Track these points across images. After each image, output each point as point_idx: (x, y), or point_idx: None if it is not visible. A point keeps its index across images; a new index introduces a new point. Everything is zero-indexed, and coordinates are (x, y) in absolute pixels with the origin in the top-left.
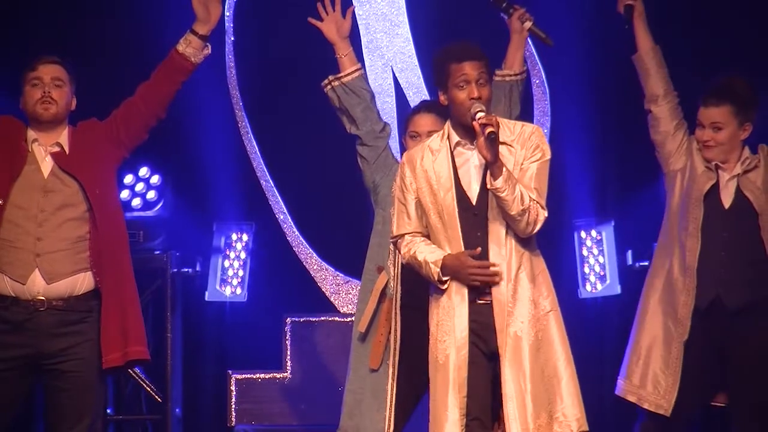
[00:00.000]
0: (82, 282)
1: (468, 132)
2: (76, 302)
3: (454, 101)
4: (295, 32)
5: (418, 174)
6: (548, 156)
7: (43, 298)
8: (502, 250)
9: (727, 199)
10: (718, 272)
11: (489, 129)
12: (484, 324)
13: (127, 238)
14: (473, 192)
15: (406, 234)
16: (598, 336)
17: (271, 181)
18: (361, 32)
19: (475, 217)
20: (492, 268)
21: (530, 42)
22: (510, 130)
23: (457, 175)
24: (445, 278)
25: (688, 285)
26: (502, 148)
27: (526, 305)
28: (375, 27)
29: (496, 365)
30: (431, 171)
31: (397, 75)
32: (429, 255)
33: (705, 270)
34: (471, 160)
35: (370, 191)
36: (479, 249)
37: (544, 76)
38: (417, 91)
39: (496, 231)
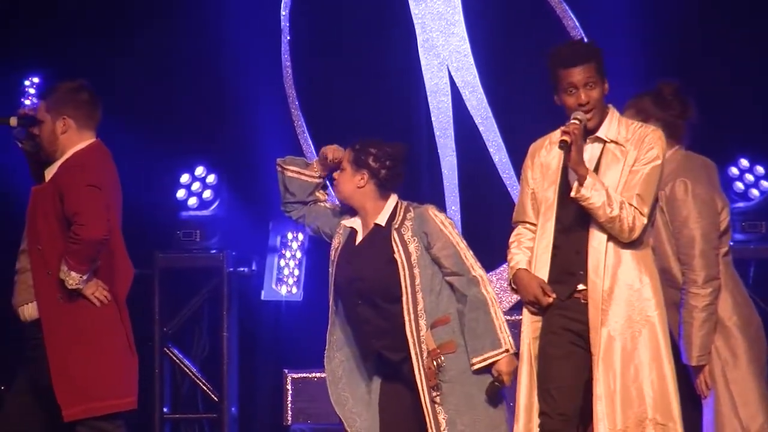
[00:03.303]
0: (28, 311)
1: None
2: (27, 329)
3: (565, 105)
4: (350, 31)
5: (535, 165)
6: (661, 160)
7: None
8: (601, 246)
9: None
10: None
11: (562, 137)
12: (581, 322)
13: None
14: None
15: (519, 224)
16: None
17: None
18: (417, 31)
19: (578, 210)
20: (546, 301)
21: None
22: (627, 130)
23: (566, 169)
24: (514, 287)
25: None
26: (613, 149)
27: (622, 305)
28: (431, 26)
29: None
30: (545, 162)
31: (452, 74)
32: (514, 259)
33: None
34: (584, 155)
35: None
36: (554, 297)
37: None
38: (473, 90)
39: (598, 227)
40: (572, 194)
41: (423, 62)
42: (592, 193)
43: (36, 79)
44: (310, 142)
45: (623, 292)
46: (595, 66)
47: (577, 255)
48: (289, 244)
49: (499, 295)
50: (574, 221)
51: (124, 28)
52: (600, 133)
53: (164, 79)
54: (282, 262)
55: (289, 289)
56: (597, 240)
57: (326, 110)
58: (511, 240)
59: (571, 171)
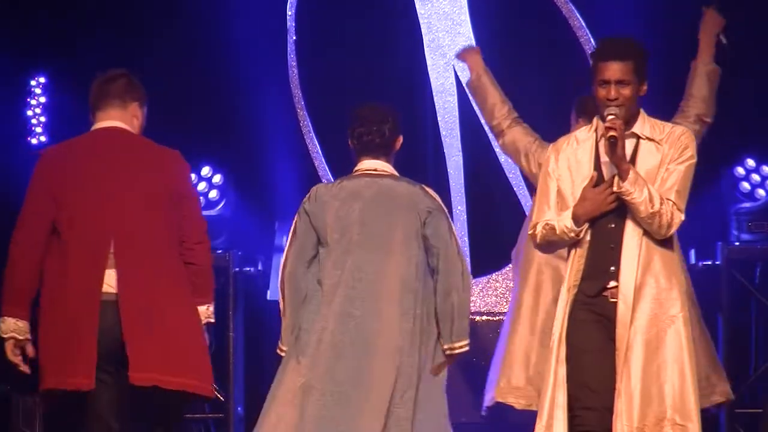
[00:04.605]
0: None
1: None
2: None
3: (596, 97)
4: (356, 31)
5: (561, 161)
6: (695, 159)
7: None
8: (635, 243)
9: None
10: None
11: (610, 132)
12: (608, 318)
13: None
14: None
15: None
16: None
17: (332, 180)
18: (423, 31)
19: (614, 208)
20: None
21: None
22: (660, 129)
23: (599, 165)
24: (579, 228)
25: None
26: (648, 146)
27: (648, 303)
28: (437, 26)
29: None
30: (573, 159)
31: (458, 74)
32: (550, 222)
33: None
34: None
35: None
36: (595, 173)
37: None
38: None
39: (632, 224)
40: (614, 189)
41: (429, 62)
42: (635, 188)
43: (42, 79)
44: (316, 142)
45: (652, 291)
46: (633, 65)
47: (612, 250)
48: None
49: (506, 296)
50: (609, 217)
51: (131, 29)
52: (635, 129)
53: (169, 80)
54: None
55: None
56: (631, 236)
57: (332, 110)
58: (539, 231)
59: (604, 166)
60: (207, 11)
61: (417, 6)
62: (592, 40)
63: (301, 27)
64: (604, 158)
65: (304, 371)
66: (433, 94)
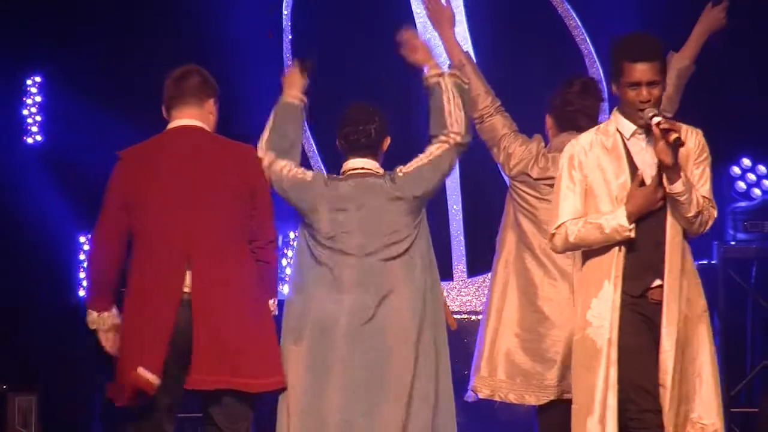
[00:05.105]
0: None
1: (640, 124)
2: None
3: (625, 99)
4: (352, 30)
5: (589, 159)
6: (710, 159)
7: None
8: (676, 242)
9: None
10: None
11: (674, 135)
12: (651, 320)
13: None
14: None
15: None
16: None
17: None
18: (419, 31)
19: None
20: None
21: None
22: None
23: (633, 164)
24: (631, 226)
25: None
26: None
27: (684, 303)
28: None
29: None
30: (604, 158)
31: None
32: (607, 214)
33: None
34: (647, 150)
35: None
36: (641, 172)
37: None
38: None
39: (674, 223)
40: (666, 190)
41: None
42: (685, 189)
43: (38, 79)
44: (312, 141)
45: (685, 290)
46: (659, 64)
47: (656, 248)
48: (291, 243)
49: None
50: (652, 216)
51: (129, 29)
52: None
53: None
54: (284, 262)
55: None
56: (674, 235)
57: (328, 109)
58: (573, 230)
59: (639, 165)
60: (204, 11)
61: (413, 6)
62: (588, 39)
63: (296, 27)
64: (638, 156)
65: (303, 353)
66: None
